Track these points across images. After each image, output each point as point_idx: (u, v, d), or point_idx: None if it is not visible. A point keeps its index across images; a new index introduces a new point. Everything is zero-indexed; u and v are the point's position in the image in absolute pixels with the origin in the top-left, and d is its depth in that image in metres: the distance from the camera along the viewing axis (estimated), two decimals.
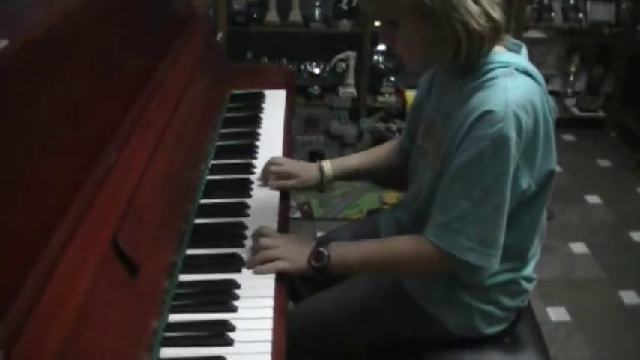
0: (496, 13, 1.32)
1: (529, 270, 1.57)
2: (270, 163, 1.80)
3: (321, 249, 1.47)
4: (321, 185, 1.81)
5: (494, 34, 1.34)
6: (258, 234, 1.52)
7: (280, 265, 1.45)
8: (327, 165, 1.81)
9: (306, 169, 1.82)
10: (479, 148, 1.31)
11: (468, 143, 1.33)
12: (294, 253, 1.48)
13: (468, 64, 1.37)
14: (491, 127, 1.30)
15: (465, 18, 1.29)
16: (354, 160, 1.86)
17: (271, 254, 1.46)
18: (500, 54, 1.39)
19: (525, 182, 1.39)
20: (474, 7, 1.30)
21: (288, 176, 1.78)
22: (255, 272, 1.44)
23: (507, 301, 1.55)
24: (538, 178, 1.42)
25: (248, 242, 1.53)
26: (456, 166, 1.36)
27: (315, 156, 3.72)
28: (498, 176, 1.33)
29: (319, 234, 2.83)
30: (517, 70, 1.35)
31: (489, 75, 1.35)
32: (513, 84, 1.33)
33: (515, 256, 1.52)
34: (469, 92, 1.36)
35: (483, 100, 1.32)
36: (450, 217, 1.37)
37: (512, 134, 1.30)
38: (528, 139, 1.34)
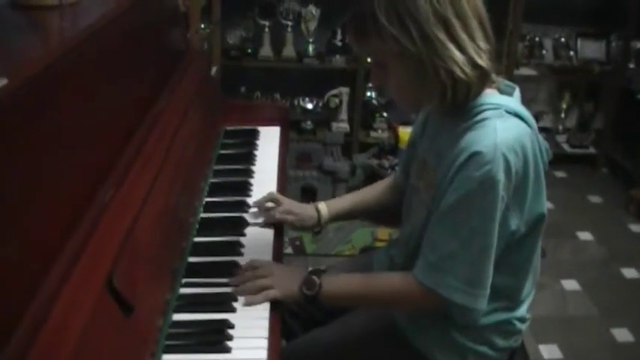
0: (483, 61, 1.33)
1: (522, 311, 1.57)
2: (267, 199, 1.81)
3: (314, 277, 1.49)
4: (319, 227, 1.81)
5: (481, 80, 1.36)
6: (249, 266, 1.54)
7: (271, 294, 1.47)
8: (323, 207, 1.80)
9: (304, 209, 1.81)
10: (467, 189, 1.33)
11: (457, 183, 1.34)
12: (285, 281, 1.50)
13: (458, 106, 1.39)
14: (479, 169, 1.31)
15: (450, 66, 1.31)
16: (348, 201, 1.86)
17: (263, 283, 1.48)
18: (491, 96, 1.40)
19: (514, 223, 1.40)
20: (458, 56, 1.31)
21: (286, 212, 1.78)
22: (247, 304, 1.45)
23: (501, 342, 1.55)
24: (527, 220, 1.42)
25: None
26: (445, 206, 1.37)
27: (307, 191, 3.72)
28: (486, 217, 1.34)
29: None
30: (507, 112, 1.37)
31: (480, 117, 1.36)
32: (503, 126, 1.34)
33: (508, 296, 1.52)
34: (460, 133, 1.37)
35: (473, 140, 1.33)
36: (437, 255, 1.39)
37: (501, 176, 1.31)
38: (518, 181, 1.35)
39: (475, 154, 1.31)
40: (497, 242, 1.37)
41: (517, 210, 1.39)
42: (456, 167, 1.34)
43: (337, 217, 1.84)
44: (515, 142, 1.33)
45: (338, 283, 1.53)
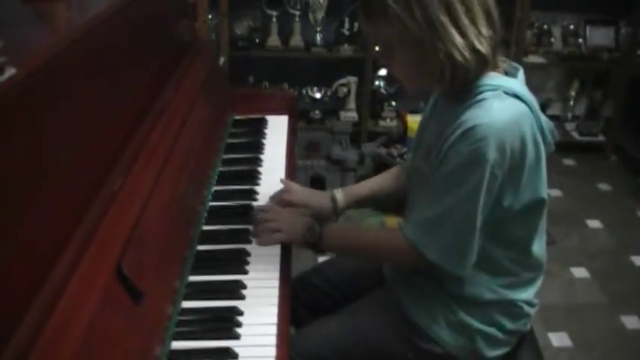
0: (482, 47, 1.38)
1: (529, 294, 1.59)
2: (283, 190, 1.83)
3: (316, 226, 1.62)
4: (335, 215, 1.84)
5: (480, 65, 1.40)
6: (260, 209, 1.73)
7: (278, 237, 1.64)
8: (339, 194, 1.82)
9: (318, 199, 1.83)
10: (456, 163, 1.39)
11: (449, 157, 1.40)
12: (291, 225, 1.66)
13: (458, 88, 1.43)
14: (470, 145, 1.36)
15: (449, 49, 1.36)
16: (365, 188, 1.89)
17: (270, 226, 1.65)
18: (492, 77, 1.43)
19: (507, 201, 1.44)
20: (458, 40, 1.35)
21: (297, 205, 1.79)
22: (257, 244, 1.62)
23: (508, 324, 1.57)
24: (523, 200, 1.45)
25: (251, 269, 1.54)
26: (437, 176, 1.44)
27: (316, 181, 3.72)
28: (470, 191, 1.38)
29: (321, 259, 2.82)
30: (506, 92, 1.40)
31: (478, 97, 1.40)
32: (500, 105, 1.37)
33: (510, 273, 1.55)
34: (458, 113, 1.41)
35: (468, 118, 1.38)
36: (423, 217, 1.47)
37: (491, 154, 1.35)
38: (514, 160, 1.38)
39: (468, 131, 1.36)
40: (489, 215, 1.43)
41: (511, 188, 1.42)
42: (450, 142, 1.39)
43: (355, 205, 1.87)
44: (511, 121, 1.37)
45: (337, 234, 1.65)
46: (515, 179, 1.41)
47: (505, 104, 1.38)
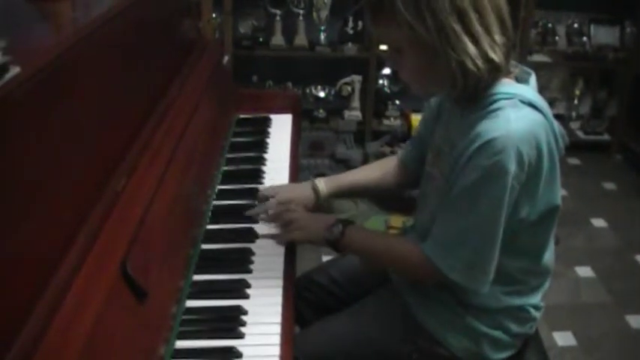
0: (496, 55, 1.34)
1: (537, 298, 1.58)
2: (268, 196, 1.80)
3: (337, 227, 1.58)
4: (318, 203, 1.81)
5: (493, 74, 1.36)
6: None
7: (297, 235, 1.64)
8: (321, 183, 1.81)
9: (299, 191, 1.82)
10: (476, 177, 1.35)
11: (468, 170, 1.36)
12: (311, 224, 1.64)
13: (470, 96, 1.40)
14: (490, 158, 1.32)
15: (462, 57, 1.32)
16: (348, 176, 1.88)
17: (292, 226, 1.64)
18: (506, 85, 1.40)
19: (524, 211, 1.41)
20: (472, 49, 1.32)
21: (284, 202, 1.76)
22: (277, 243, 1.63)
23: (515, 328, 1.56)
24: (539, 209, 1.43)
25: (255, 268, 1.54)
26: (456, 191, 1.39)
27: None
28: (493, 205, 1.35)
29: (325, 258, 2.82)
30: (522, 102, 1.37)
31: (494, 106, 1.37)
32: (516, 115, 1.34)
33: (520, 281, 1.54)
34: (473, 121, 1.38)
35: (486, 129, 1.34)
36: (444, 236, 1.43)
37: (511, 166, 1.32)
38: (531, 171, 1.35)
39: (487, 143, 1.32)
40: (505, 227, 1.39)
41: (528, 198, 1.40)
42: (468, 155, 1.35)
43: (338, 193, 1.85)
44: (528, 132, 1.34)
45: (358, 238, 1.60)
46: (531, 189, 1.39)
47: (521, 114, 1.35)
